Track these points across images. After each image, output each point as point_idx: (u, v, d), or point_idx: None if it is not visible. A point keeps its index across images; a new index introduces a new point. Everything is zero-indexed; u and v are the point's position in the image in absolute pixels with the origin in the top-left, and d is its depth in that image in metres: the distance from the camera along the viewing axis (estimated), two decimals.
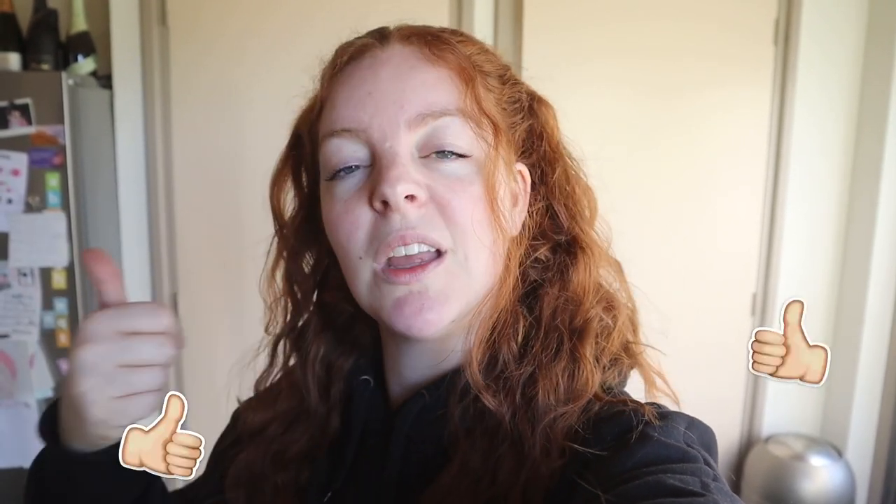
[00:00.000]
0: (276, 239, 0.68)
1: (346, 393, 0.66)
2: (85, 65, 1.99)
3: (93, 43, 2.01)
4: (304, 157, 0.64)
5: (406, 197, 0.52)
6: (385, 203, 0.52)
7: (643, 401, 0.56)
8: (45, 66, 1.90)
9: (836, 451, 2.23)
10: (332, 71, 0.58)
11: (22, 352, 1.86)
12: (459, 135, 0.54)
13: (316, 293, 0.69)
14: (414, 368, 0.61)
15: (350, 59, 0.57)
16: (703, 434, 0.52)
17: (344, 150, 0.55)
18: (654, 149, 2.17)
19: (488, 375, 0.55)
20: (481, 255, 0.55)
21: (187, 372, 2.20)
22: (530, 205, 0.61)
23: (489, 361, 0.56)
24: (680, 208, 2.23)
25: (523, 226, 0.60)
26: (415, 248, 0.53)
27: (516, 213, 0.60)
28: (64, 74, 1.79)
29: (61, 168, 1.81)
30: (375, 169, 0.54)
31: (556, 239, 0.61)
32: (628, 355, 0.59)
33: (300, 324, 0.69)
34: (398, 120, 0.53)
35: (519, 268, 0.57)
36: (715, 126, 2.21)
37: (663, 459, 0.47)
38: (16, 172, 1.81)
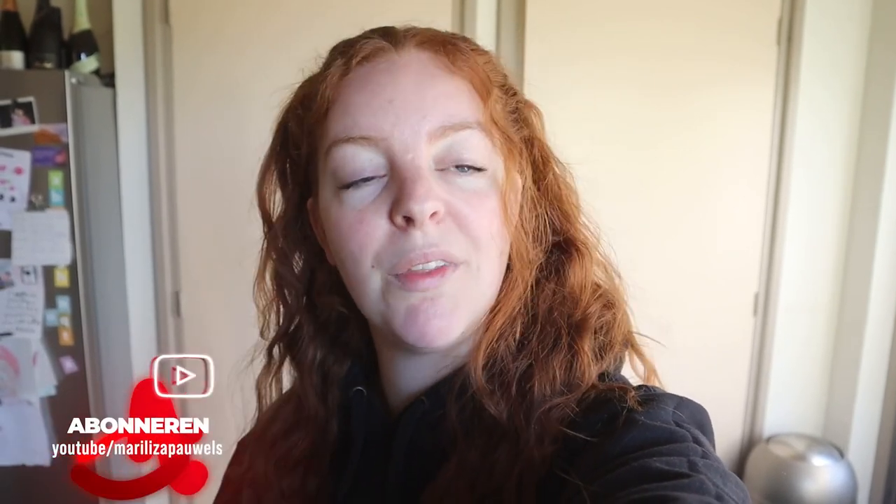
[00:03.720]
0: (265, 241, 0.66)
1: (342, 400, 0.65)
2: (88, 63, 1.99)
3: (95, 41, 2.01)
4: (292, 155, 0.62)
5: (430, 213, 0.51)
6: (407, 219, 0.51)
7: (635, 384, 0.56)
8: (48, 65, 1.90)
9: (838, 452, 2.23)
10: (343, 71, 0.55)
11: (25, 350, 1.86)
12: (478, 148, 0.54)
13: (305, 296, 0.67)
14: (413, 378, 0.60)
15: (363, 60, 0.55)
16: (694, 413, 0.51)
17: (360, 159, 0.53)
18: (656, 148, 2.17)
19: (486, 373, 0.55)
20: (493, 266, 0.55)
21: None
22: (522, 209, 0.60)
23: (487, 359, 0.56)
24: (682, 208, 2.23)
25: (515, 229, 0.59)
26: (432, 265, 0.52)
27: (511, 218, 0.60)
28: (67, 73, 1.79)
29: (64, 166, 1.81)
30: (395, 181, 0.52)
31: (550, 240, 0.61)
32: (631, 345, 0.60)
33: (293, 327, 0.67)
34: (420, 131, 0.52)
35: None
36: (717, 126, 2.21)
37: (650, 443, 0.46)
38: (19, 171, 1.81)
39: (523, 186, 0.60)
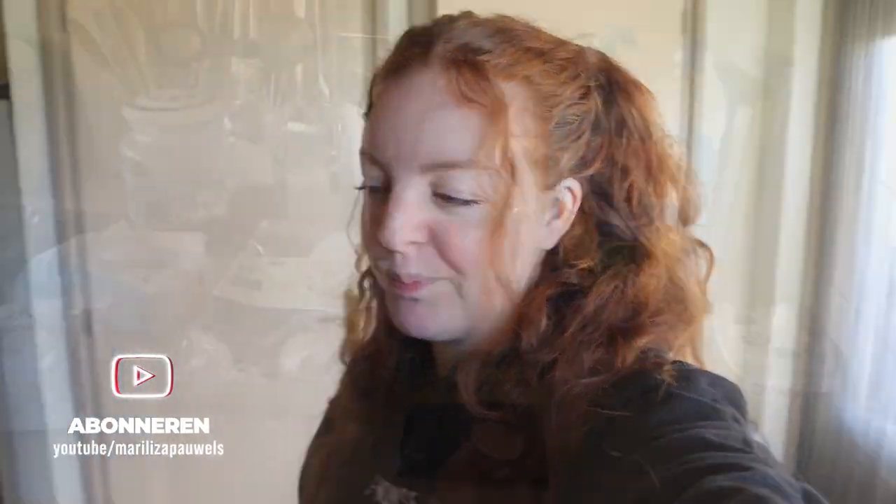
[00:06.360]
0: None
1: (405, 343, 0.67)
2: None
3: None
4: None
5: (406, 243, 0.54)
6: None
7: (668, 358, 0.54)
8: None
9: None
10: (382, 74, 0.58)
11: None
12: (471, 183, 0.53)
13: None
14: (450, 343, 0.62)
15: (397, 68, 0.56)
16: (728, 391, 0.51)
17: (371, 173, 0.57)
18: None
19: (507, 365, 0.56)
20: (479, 290, 0.56)
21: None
22: (586, 214, 0.58)
23: (509, 349, 0.56)
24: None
25: (562, 238, 0.59)
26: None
27: (557, 225, 0.58)
28: None
29: None
30: (386, 202, 0.55)
31: (614, 245, 0.59)
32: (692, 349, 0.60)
33: None
34: (411, 164, 0.54)
35: (553, 277, 0.58)
36: None
37: (694, 416, 0.46)
38: None
39: (573, 193, 0.58)
